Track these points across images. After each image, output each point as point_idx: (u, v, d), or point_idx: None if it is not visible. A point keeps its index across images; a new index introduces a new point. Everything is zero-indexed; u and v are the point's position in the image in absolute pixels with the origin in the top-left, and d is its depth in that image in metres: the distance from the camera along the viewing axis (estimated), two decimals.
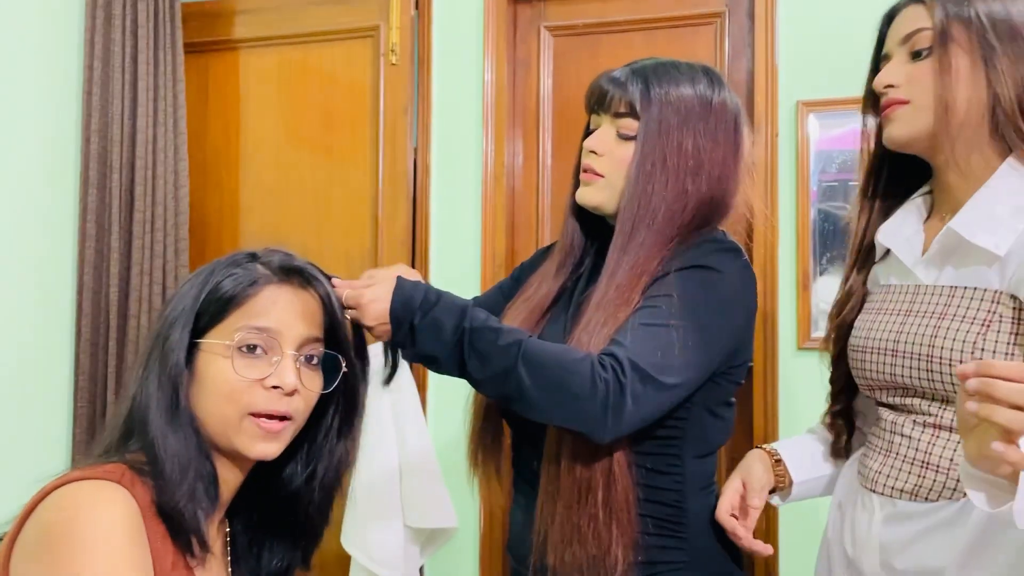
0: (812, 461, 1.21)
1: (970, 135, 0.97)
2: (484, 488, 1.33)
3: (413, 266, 2.35)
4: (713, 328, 1.07)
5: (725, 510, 1.12)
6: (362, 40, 2.42)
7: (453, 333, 1.02)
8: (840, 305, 1.14)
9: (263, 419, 0.89)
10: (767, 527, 2.06)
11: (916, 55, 1.01)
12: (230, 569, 0.96)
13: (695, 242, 1.12)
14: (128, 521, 0.79)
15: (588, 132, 1.23)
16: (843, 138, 2.05)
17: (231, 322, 0.91)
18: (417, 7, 2.38)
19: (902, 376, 1.00)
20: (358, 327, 1.05)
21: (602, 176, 1.17)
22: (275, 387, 0.89)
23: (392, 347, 1.15)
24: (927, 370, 0.96)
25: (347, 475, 1.04)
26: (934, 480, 0.96)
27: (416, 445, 2.16)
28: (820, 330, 2.03)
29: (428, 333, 1.02)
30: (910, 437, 1.00)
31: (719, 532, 1.15)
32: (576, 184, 1.23)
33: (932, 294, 1.00)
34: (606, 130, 1.18)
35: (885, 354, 1.02)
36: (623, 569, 1.07)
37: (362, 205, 2.41)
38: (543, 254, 1.35)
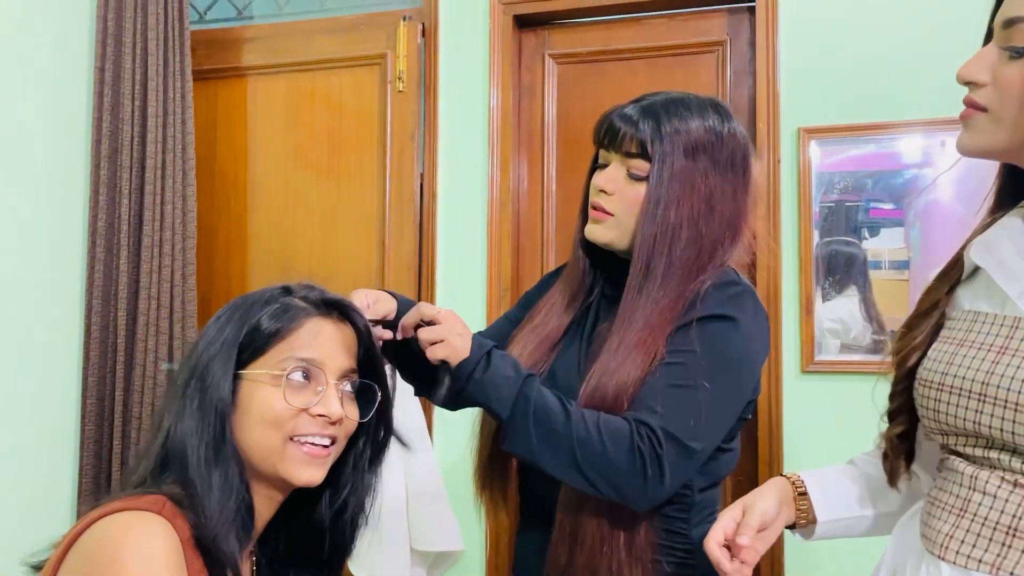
0: (846, 498, 1.05)
1: None
2: (490, 512, 1.34)
3: (419, 288, 2.38)
4: (735, 386, 1.10)
5: (714, 539, 0.98)
6: (369, 68, 2.45)
7: (512, 388, 1.06)
8: (913, 324, 0.95)
9: (307, 445, 0.92)
10: (771, 552, 2.07)
11: (1013, 52, 0.81)
12: None
13: (712, 284, 1.13)
14: (170, 553, 0.80)
15: (595, 164, 1.24)
16: (844, 163, 2.09)
17: (275, 353, 0.93)
18: (424, 35, 2.42)
19: (989, 426, 0.81)
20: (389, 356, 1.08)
21: (612, 215, 1.18)
22: (321, 415, 0.92)
23: (452, 380, 1.12)
24: None
25: (372, 506, 1.05)
26: (1023, 552, 0.79)
27: (423, 469, 2.18)
28: (824, 353, 2.06)
29: (490, 383, 1.06)
30: (995, 496, 0.81)
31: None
32: (584, 219, 1.24)
33: None
34: (616, 169, 1.19)
35: (969, 397, 0.83)
36: None
37: (369, 229, 2.43)
38: (548, 281, 1.37)
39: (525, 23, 2.39)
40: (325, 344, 0.95)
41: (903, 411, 0.94)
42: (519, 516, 1.29)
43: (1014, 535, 0.79)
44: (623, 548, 1.08)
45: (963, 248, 0.94)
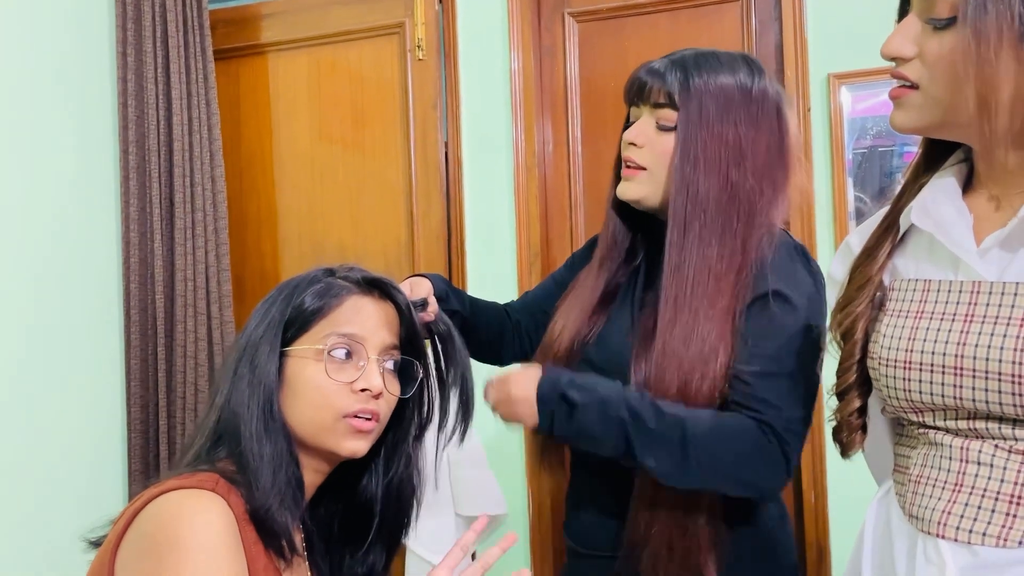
0: None
1: (1008, 129, 0.77)
2: (533, 475, 1.35)
3: (449, 258, 2.38)
4: (812, 365, 1.11)
5: None
6: (388, 37, 2.43)
7: (614, 427, 1.07)
8: (848, 298, 0.92)
9: (355, 419, 0.94)
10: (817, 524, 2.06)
11: (936, 23, 0.78)
12: (307, 564, 1.00)
13: (773, 253, 1.11)
14: (225, 528, 0.83)
15: (628, 124, 1.23)
16: (877, 107, 2.04)
17: (318, 330, 0.95)
18: (441, 2, 2.39)
19: (973, 400, 0.78)
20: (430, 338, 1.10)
21: (644, 168, 1.17)
22: (363, 390, 0.94)
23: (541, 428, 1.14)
24: (1013, 393, 0.75)
25: (420, 481, 1.07)
26: None
27: (464, 447, 2.20)
28: None
29: (585, 428, 1.08)
30: (991, 466, 0.79)
31: (784, 530, 1.20)
32: (617, 178, 1.23)
33: (1004, 293, 0.78)
34: (646, 121, 1.18)
35: (944, 372, 0.80)
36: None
37: (396, 201, 2.44)
38: (594, 244, 1.35)
39: None
40: (366, 320, 0.97)
41: (855, 386, 0.91)
42: (571, 482, 1.30)
43: (1019, 503, 0.77)
44: (705, 526, 1.11)
45: (892, 212, 0.90)
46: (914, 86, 0.81)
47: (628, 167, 1.19)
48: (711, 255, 1.11)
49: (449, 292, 1.26)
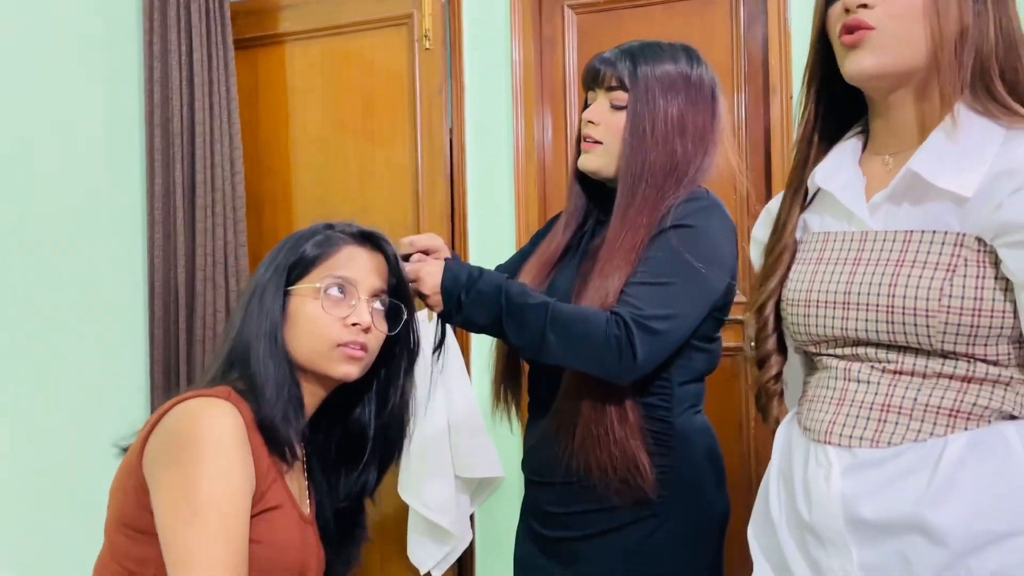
0: None
1: (925, 72, 0.88)
2: (507, 417, 1.51)
3: (452, 236, 2.53)
4: (699, 282, 1.25)
5: None
6: (397, 28, 2.57)
7: (494, 305, 1.23)
8: (768, 250, 1.04)
9: (346, 348, 1.08)
10: None
11: None
12: (307, 482, 1.15)
13: (683, 200, 1.28)
14: (237, 429, 0.98)
15: (586, 107, 1.39)
16: None
17: (317, 273, 1.11)
18: None
19: (856, 329, 0.91)
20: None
21: (600, 143, 1.33)
22: (354, 324, 1.09)
23: (441, 317, 1.32)
24: (887, 321, 0.88)
25: (412, 409, 1.21)
26: (896, 423, 0.88)
27: (462, 403, 2.34)
28: None
29: (473, 306, 1.24)
30: (868, 383, 0.91)
31: (702, 444, 1.34)
32: (578, 153, 1.39)
33: (884, 240, 0.91)
34: (601, 102, 1.35)
35: (835, 307, 0.93)
36: (650, 471, 1.26)
37: (403, 182, 2.58)
38: (554, 221, 1.52)
39: None
40: (359, 267, 1.12)
41: (772, 354, 1.03)
42: (529, 418, 1.45)
43: (886, 411, 0.90)
44: (616, 426, 1.25)
45: (798, 175, 1.02)
46: (871, 29, 0.89)
47: (586, 142, 1.35)
48: (644, 214, 1.27)
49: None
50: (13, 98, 2.23)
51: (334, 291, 1.09)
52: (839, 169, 0.98)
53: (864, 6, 0.89)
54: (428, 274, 1.25)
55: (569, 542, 1.35)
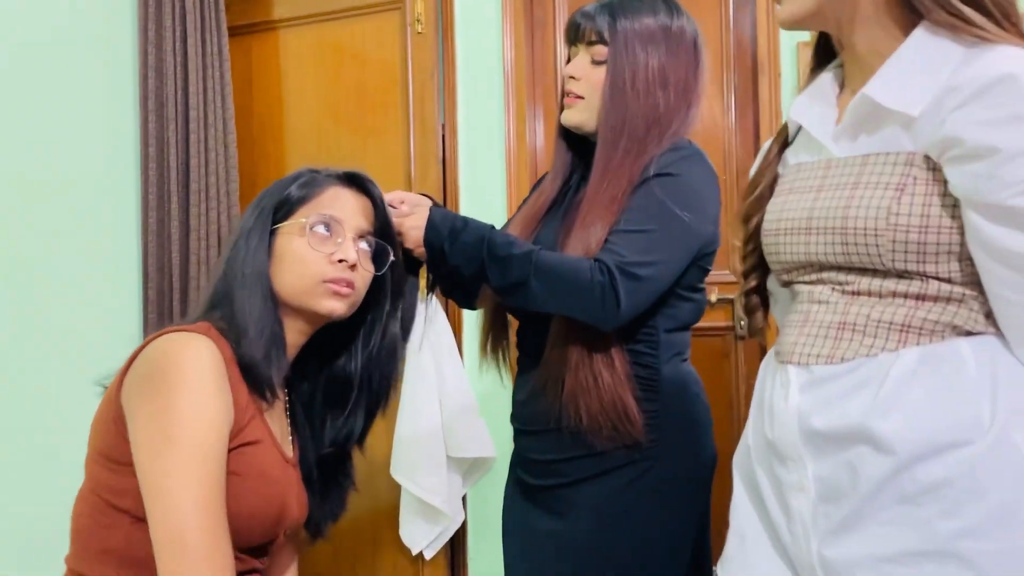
0: None
1: (871, 4, 0.91)
2: (497, 369, 1.52)
3: None
4: (682, 228, 1.26)
5: None
6: (389, 13, 2.59)
7: (476, 255, 1.23)
8: (751, 188, 1.08)
9: (331, 283, 1.08)
10: None
11: None
12: (290, 427, 1.15)
13: (665, 150, 1.29)
14: (214, 361, 0.98)
15: (568, 63, 1.39)
16: None
17: (303, 212, 1.11)
18: None
19: (817, 253, 0.94)
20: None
21: (582, 98, 1.34)
22: (340, 261, 1.09)
23: (429, 265, 1.32)
24: (842, 243, 0.91)
25: (399, 355, 1.21)
26: (851, 340, 0.91)
27: (454, 383, 2.35)
28: None
29: (456, 256, 1.24)
30: (827, 303, 0.94)
31: (690, 391, 1.36)
32: (561, 109, 1.40)
33: (845, 165, 0.94)
34: (582, 57, 1.35)
35: (798, 233, 0.96)
36: (638, 416, 1.27)
37: (395, 167, 2.59)
38: (543, 180, 1.52)
39: None
40: (344, 206, 1.13)
41: (755, 268, 1.07)
42: (518, 371, 1.46)
43: (842, 328, 0.92)
44: (604, 373, 1.27)
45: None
46: None
47: (568, 97, 1.36)
48: (627, 164, 1.28)
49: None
50: (7, 84, 2.25)
51: (320, 228, 1.09)
52: (812, 104, 1.00)
53: None
54: (411, 228, 1.25)
55: (559, 489, 1.35)
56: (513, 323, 1.48)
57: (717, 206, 1.34)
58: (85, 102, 2.47)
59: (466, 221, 1.28)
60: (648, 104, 1.29)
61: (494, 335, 1.47)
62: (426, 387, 2.33)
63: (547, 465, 1.36)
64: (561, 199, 1.42)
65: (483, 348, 1.48)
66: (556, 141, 1.44)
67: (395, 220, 1.25)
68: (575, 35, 1.36)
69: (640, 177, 1.27)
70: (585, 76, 1.34)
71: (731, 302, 2.33)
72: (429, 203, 1.33)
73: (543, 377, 1.33)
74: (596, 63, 1.32)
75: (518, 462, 1.45)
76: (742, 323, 2.29)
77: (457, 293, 1.49)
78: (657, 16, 1.32)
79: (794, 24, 0.96)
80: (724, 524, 1.07)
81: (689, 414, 1.35)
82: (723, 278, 2.32)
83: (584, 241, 1.26)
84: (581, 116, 1.35)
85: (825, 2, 0.93)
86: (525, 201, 1.53)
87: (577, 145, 1.42)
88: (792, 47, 2.20)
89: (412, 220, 1.26)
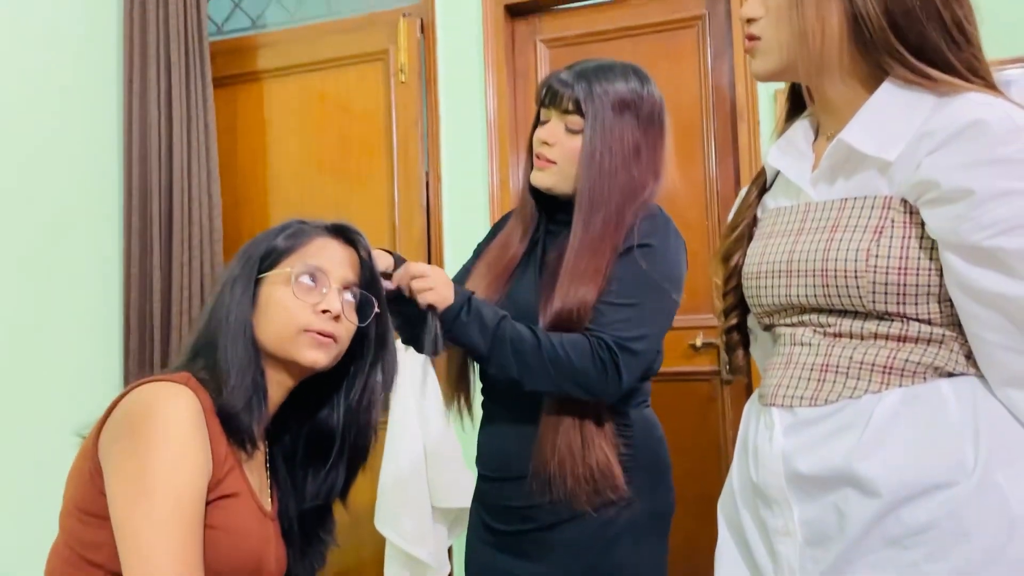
0: None
1: (837, 61, 0.93)
2: (461, 415, 1.53)
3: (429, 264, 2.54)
4: (665, 300, 1.33)
5: None
6: (374, 63, 2.63)
7: (488, 329, 1.27)
8: (731, 229, 1.10)
9: (314, 333, 1.07)
10: None
11: None
12: (269, 481, 1.13)
13: (641, 219, 1.34)
14: (192, 411, 0.96)
15: (537, 121, 1.43)
16: None
17: (288, 262, 1.10)
18: (422, 30, 2.59)
19: (798, 296, 0.95)
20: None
21: (554, 163, 1.37)
22: (324, 311, 1.08)
23: (440, 324, 1.31)
24: (823, 285, 0.91)
25: (380, 407, 1.20)
26: (834, 382, 0.91)
27: (438, 433, 2.32)
28: None
29: (471, 323, 1.27)
30: (809, 345, 0.95)
31: (654, 435, 1.41)
32: (531, 166, 1.43)
33: (823, 209, 0.95)
34: (556, 124, 1.38)
35: (779, 276, 0.97)
36: (623, 484, 1.30)
37: (380, 212, 2.60)
38: (497, 229, 1.55)
39: (516, 12, 2.55)
40: (330, 257, 1.12)
41: (735, 307, 1.08)
42: (482, 417, 1.48)
43: (825, 370, 0.92)
44: (592, 427, 1.31)
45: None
46: (759, 38, 0.98)
47: (540, 160, 1.39)
48: (607, 234, 1.33)
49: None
50: None
51: (305, 279, 1.09)
52: (789, 149, 1.03)
53: (751, 20, 0.98)
54: (444, 283, 1.27)
55: (533, 533, 1.35)
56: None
57: (684, 272, 1.39)
58: (68, 151, 2.47)
59: (479, 304, 1.30)
60: (624, 177, 1.33)
61: (460, 385, 1.49)
62: (411, 436, 2.30)
63: (517, 511, 1.36)
64: (530, 251, 1.45)
65: (451, 399, 1.49)
66: (523, 198, 1.47)
67: (419, 266, 1.27)
68: (550, 100, 1.39)
69: (623, 245, 1.32)
70: (559, 143, 1.37)
71: (716, 346, 2.33)
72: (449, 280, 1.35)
73: (523, 428, 1.35)
74: (571, 131, 1.36)
75: (483, 507, 1.45)
76: (727, 367, 2.29)
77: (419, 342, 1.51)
78: (629, 86, 1.36)
79: (766, 78, 0.99)
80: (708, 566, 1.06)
81: (656, 455, 1.40)
82: (707, 322, 2.33)
83: (574, 305, 1.29)
84: (552, 180, 1.38)
85: (792, 59, 0.95)
86: (481, 249, 1.55)
87: (542, 201, 1.46)
88: (770, 95, 2.23)
89: (442, 275, 1.29)
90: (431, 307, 1.25)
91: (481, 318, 1.27)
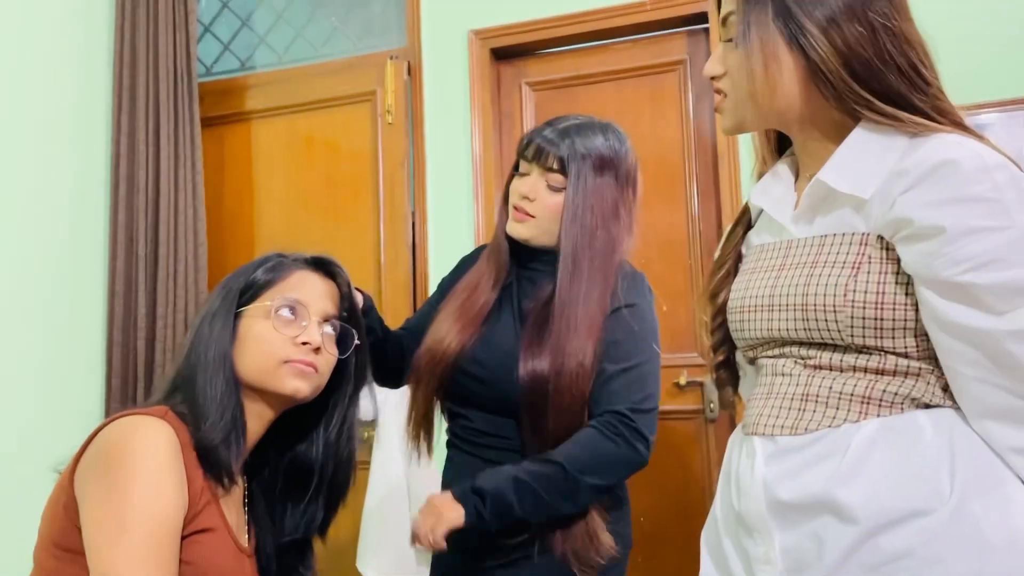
0: None
1: (797, 113, 0.96)
2: (422, 453, 1.57)
3: (414, 306, 2.54)
4: (655, 355, 1.40)
5: None
6: (361, 105, 2.66)
7: (515, 503, 1.30)
8: (717, 267, 1.12)
9: (294, 363, 1.07)
10: None
11: (731, 42, 0.97)
12: (247, 517, 1.12)
13: (622, 277, 1.40)
14: (169, 445, 0.96)
15: (515, 171, 1.47)
16: None
17: (268, 296, 1.11)
18: (409, 72, 2.63)
19: (779, 329, 0.97)
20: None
21: (533, 217, 1.42)
22: (304, 343, 1.08)
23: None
24: (803, 319, 0.94)
25: (357, 443, 1.20)
26: (814, 411, 0.93)
27: (423, 471, 2.31)
28: None
29: (496, 509, 1.30)
30: (790, 375, 0.97)
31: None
32: (507, 215, 1.47)
33: (804, 246, 0.98)
34: (537, 179, 1.42)
35: (761, 311, 0.99)
36: (609, 548, 1.35)
37: (366, 251, 2.61)
38: (463, 267, 1.58)
39: (501, 55, 2.60)
40: (310, 290, 1.13)
41: (723, 343, 1.10)
42: (447, 456, 1.52)
43: (805, 400, 0.94)
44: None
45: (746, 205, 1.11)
46: (725, 95, 1.00)
47: (518, 211, 1.43)
48: (593, 291, 1.37)
49: (372, 312, 1.44)
50: None
51: (285, 312, 1.09)
52: (771, 188, 1.05)
53: (714, 78, 1.01)
54: (433, 509, 1.31)
55: (498, 569, 1.37)
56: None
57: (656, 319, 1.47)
58: (55, 187, 2.48)
59: (481, 488, 1.31)
60: (603, 234, 1.39)
61: (423, 425, 1.51)
62: (394, 474, 2.29)
63: (484, 547, 1.37)
64: (505, 297, 1.48)
65: (414, 438, 1.51)
66: (498, 245, 1.50)
67: (426, 524, 1.31)
68: (533, 155, 1.42)
69: (611, 306, 1.37)
70: (539, 198, 1.40)
71: (701, 385, 2.34)
72: (447, 499, 1.35)
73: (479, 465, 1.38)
74: (552, 188, 1.40)
75: (451, 549, 1.44)
76: (712, 406, 2.29)
77: (387, 379, 1.56)
78: (609, 145, 1.41)
79: (731, 132, 1.03)
80: None
81: (618, 496, 1.44)
82: (692, 360, 2.34)
83: (573, 366, 1.33)
84: (530, 232, 1.42)
85: (748, 115, 0.98)
86: (446, 285, 1.58)
87: (515, 249, 1.49)
88: (749, 137, 2.27)
89: (439, 504, 1.32)
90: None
91: (503, 507, 1.29)
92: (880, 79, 0.92)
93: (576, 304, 1.36)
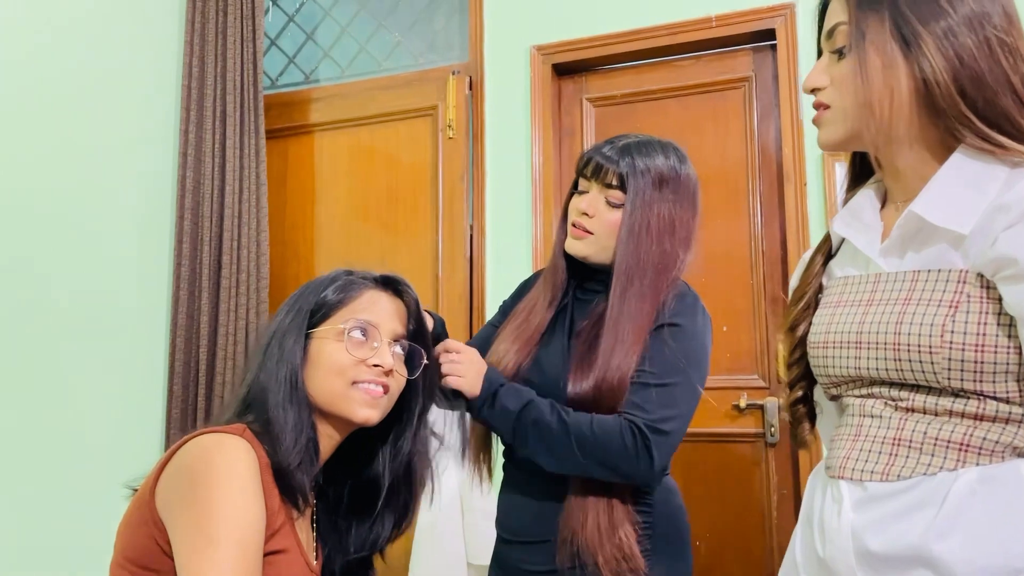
0: None
1: (906, 130, 0.91)
2: (482, 476, 1.56)
3: (471, 319, 2.55)
4: (692, 380, 1.35)
5: None
6: (422, 119, 2.68)
7: (515, 414, 1.31)
8: (797, 298, 1.07)
9: (365, 388, 1.08)
10: None
11: (838, 53, 0.95)
12: (315, 535, 1.13)
13: (673, 296, 1.37)
14: (251, 463, 0.97)
15: (574, 190, 1.46)
16: None
17: (339, 317, 1.11)
18: (471, 88, 2.64)
19: (868, 368, 0.93)
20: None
21: (591, 233, 1.40)
22: (376, 365, 1.09)
23: (469, 409, 1.38)
24: (895, 359, 0.89)
25: (428, 461, 1.20)
26: (907, 457, 0.88)
27: (476, 489, 2.30)
28: None
29: (497, 414, 1.32)
30: (880, 417, 0.92)
31: (671, 503, 1.41)
32: (564, 233, 1.46)
33: (895, 281, 0.93)
34: (596, 196, 1.41)
35: (848, 347, 0.95)
36: (643, 565, 1.30)
37: (424, 264, 2.63)
38: (524, 289, 1.57)
39: (563, 71, 2.59)
40: (381, 311, 1.13)
41: (801, 378, 1.06)
42: (503, 480, 1.50)
43: (897, 444, 0.90)
44: (618, 503, 1.33)
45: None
46: (827, 107, 0.96)
47: (576, 228, 1.42)
48: (643, 306, 1.35)
49: (443, 336, 1.44)
50: (48, 183, 2.33)
51: (356, 334, 1.09)
52: (856, 217, 1.01)
53: (816, 90, 0.98)
54: (470, 365, 1.33)
55: None
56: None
57: (710, 351, 1.41)
58: (122, 199, 2.55)
59: (505, 395, 1.34)
60: (658, 251, 1.36)
61: (483, 450, 1.51)
62: (446, 493, 2.29)
63: (536, 575, 1.36)
64: (559, 317, 1.47)
65: (476, 458, 1.51)
66: (556, 262, 1.49)
67: (455, 352, 1.32)
68: (593, 172, 1.41)
69: (655, 322, 1.35)
70: (598, 215, 1.39)
71: (761, 408, 2.29)
72: (481, 360, 1.38)
73: (535, 489, 1.37)
74: (611, 205, 1.39)
75: (501, 570, 1.45)
76: (772, 429, 2.25)
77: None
78: (669, 163, 1.39)
79: (832, 148, 0.98)
80: None
81: (674, 525, 1.40)
82: (752, 383, 2.30)
83: (614, 377, 1.32)
84: (589, 249, 1.41)
85: (859, 129, 0.94)
86: (507, 307, 1.57)
87: (573, 268, 1.48)
88: (817, 156, 2.23)
89: (472, 359, 1.33)
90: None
91: (505, 409, 1.31)
92: (988, 98, 0.87)
93: (626, 319, 1.34)
